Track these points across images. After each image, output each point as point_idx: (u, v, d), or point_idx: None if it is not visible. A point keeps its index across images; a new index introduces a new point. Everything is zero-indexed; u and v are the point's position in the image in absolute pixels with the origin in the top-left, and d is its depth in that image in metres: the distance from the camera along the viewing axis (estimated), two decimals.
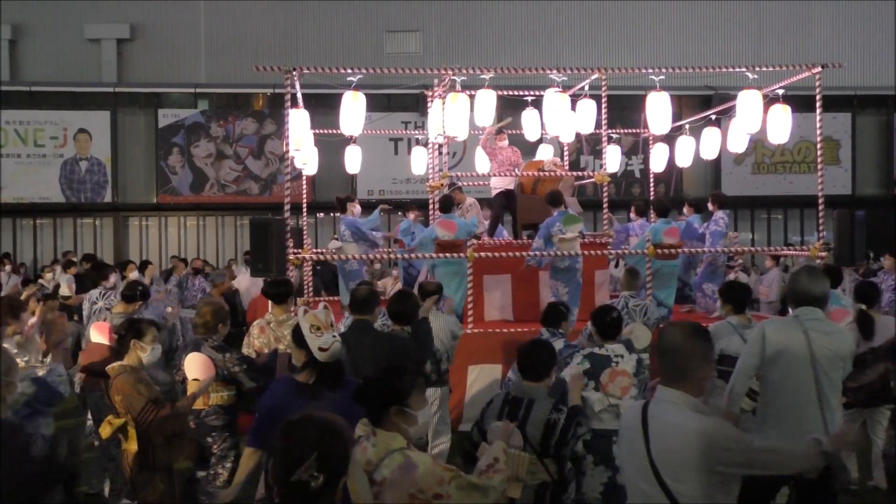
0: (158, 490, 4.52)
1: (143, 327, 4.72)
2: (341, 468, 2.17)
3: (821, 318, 4.01)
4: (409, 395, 2.99)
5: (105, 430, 4.56)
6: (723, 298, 5.77)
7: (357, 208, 9.85)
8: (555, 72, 9.21)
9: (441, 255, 8.61)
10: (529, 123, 10.77)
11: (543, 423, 3.74)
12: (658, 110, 9.02)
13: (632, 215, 11.25)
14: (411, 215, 11.09)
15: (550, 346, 4.07)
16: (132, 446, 4.51)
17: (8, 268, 14.61)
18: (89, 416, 6.50)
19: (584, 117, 9.86)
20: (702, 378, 2.88)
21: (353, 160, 11.93)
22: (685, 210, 10.72)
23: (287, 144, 8.83)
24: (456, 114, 8.75)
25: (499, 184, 10.64)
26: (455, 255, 8.56)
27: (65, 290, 11.11)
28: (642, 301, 7.45)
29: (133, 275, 11.18)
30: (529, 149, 11.87)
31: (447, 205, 9.03)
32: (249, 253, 9.67)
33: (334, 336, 3.72)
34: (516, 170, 10.47)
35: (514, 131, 11.04)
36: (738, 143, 10.23)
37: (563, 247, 8.57)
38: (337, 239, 10.53)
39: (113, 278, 8.86)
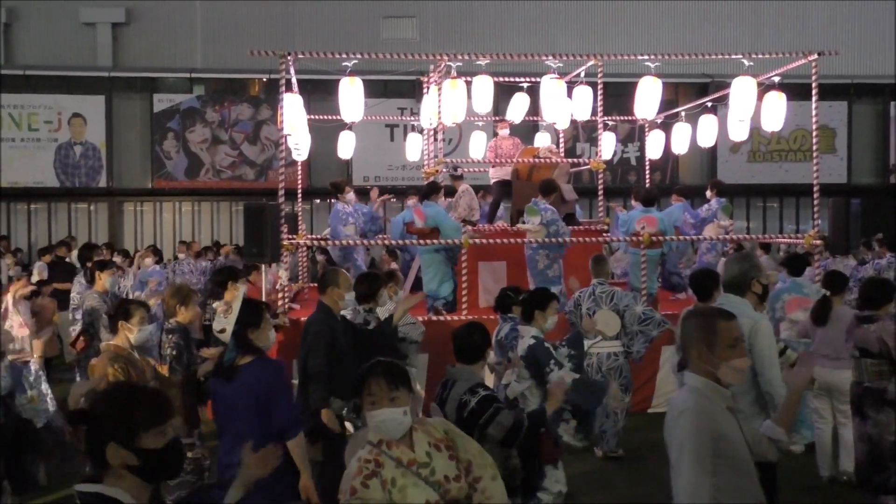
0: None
1: (130, 308, 4.73)
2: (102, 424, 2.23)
3: (725, 303, 4.16)
4: (361, 387, 2.97)
5: None
6: (690, 286, 5.79)
7: (351, 195, 9.84)
8: (551, 58, 9.19)
9: (425, 242, 8.62)
10: (516, 106, 10.75)
11: (457, 402, 3.81)
12: (647, 95, 9.00)
13: (633, 202, 11.25)
14: (410, 201, 11.10)
15: (485, 331, 4.11)
16: None
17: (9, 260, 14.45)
18: None
19: (581, 104, 9.84)
20: (698, 358, 2.85)
21: (346, 146, 11.92)
22: (672, 199, 10.73)
23: (282, 128, 8.84)
24: (452, 100, 8.75)
25: (497, 174, 10.70)
26: (436, 241, 8.56)
27: (35, 277, 11.23)
28: (610, 287, 7.29)
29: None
30: (525, 135, 11.88)
31: (429, 192, 9.03)
32: (244, 238, 9.66)
33: (223, 319, 3.94)
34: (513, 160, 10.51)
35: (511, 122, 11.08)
36: (737, 131, 10.18)
37: (529, 235, 8.67)
38: None
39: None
